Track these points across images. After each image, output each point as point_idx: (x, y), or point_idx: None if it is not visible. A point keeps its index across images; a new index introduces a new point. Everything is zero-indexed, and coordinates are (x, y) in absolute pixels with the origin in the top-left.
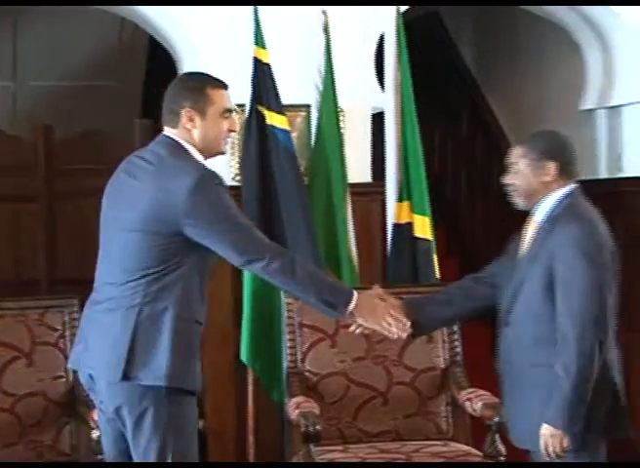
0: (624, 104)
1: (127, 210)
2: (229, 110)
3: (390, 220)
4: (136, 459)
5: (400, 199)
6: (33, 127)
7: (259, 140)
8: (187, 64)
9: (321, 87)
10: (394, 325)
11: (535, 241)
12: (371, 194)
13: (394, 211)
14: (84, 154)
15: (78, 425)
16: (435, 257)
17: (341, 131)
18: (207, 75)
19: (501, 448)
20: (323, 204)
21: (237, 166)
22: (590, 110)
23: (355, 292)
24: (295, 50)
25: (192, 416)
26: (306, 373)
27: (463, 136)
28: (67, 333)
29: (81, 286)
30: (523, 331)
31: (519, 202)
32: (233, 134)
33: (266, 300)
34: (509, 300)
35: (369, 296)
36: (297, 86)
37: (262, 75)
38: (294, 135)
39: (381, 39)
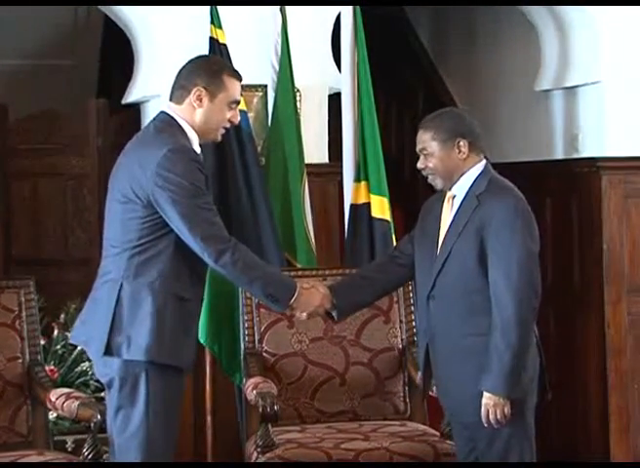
0: (580, 85)
1: (115, 182)
2: (237, 102)
3: (348, 201)
4: (113, 432)
5: (357, 179)
6: None
7: None
8: (142, 44)
9: (277, 67)
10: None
11: (459, 217)
12: (328, 175)
13: (351, 191)
14: (39, 134)
15: (35, 406)
16: (394, 238)
17: (298, 111)
18: (227, 63)
19: None
20: (279, 185)
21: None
22: (546, 91)
23: (298, 286)
24: (251, 30)
25: (175, 392)
26: (264, 354)
27: (420, 115)
28: (23, 314)
29: (36, 266)
30: (453, 303)
31: (438, 183)
32: (232, 125)
33: (223, 282)
34: (433, 275)
35: (308, 289)
36: (253, 66)
37: (219, 55)
38: (250, 115)
39: (338, 19)
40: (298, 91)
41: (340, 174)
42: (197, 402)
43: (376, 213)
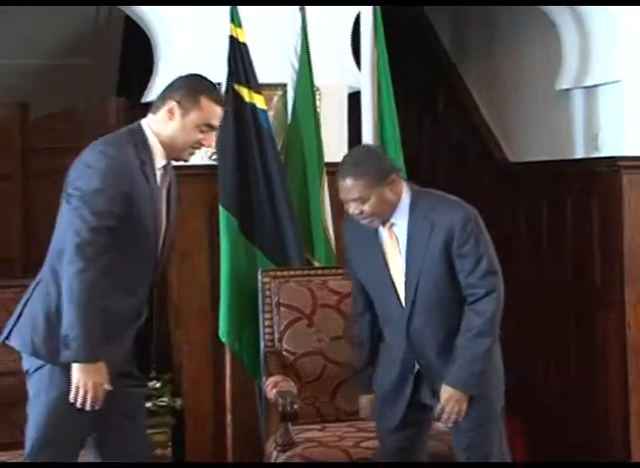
0: (601, 84)
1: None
2: (210, 126)
3: None
4: None
5: None
6: (9, 105)
7: (235, 119)
8: (162, 43)
9: (297, 66)
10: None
11: (416, 241)
12: None
13: None
14: (59, 132)
15: None
16: None
17: (318, 110)
18: (213, 87)
19: None
20: (298, 183)
21: (214, 144)
22: (567, 90)
23: (97, 364)
24: (271, 29)
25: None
26: (284, 353)
27: (440, 118)
28: None
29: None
30: (434, 319)
31: (376, 223)
32: (201, 148)
33: (244, 280)
34: (407, 304)
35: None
36: (273, 65)
37: (239, 54)
38: (270, 113)
39: (358, 18)
40: (317, 89)
41: None
42: (217, 400)
43: None
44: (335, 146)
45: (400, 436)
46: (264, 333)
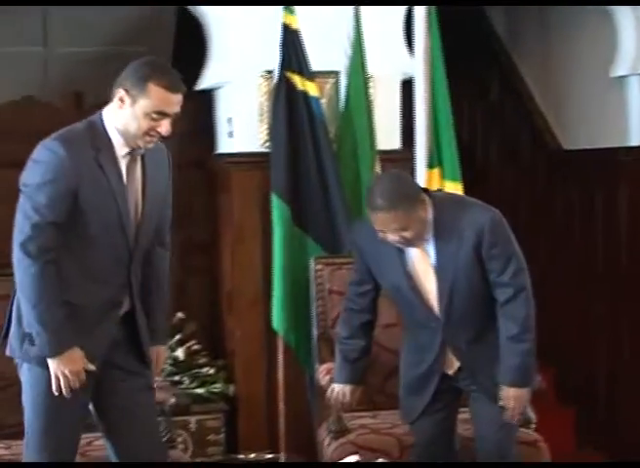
0: None
1: None
2: (159, 113)
3: None
4: None
5: (430, 166)
6: (64, 94)
7: (288, 107)
8: (215, 30)
9: (350, 53)
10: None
11: (445, 251)
12: (400, 161)
13: (424, 178)
14: None
15: None
16: None
17: (370, 97)
18: (164, 72)
19: (533, 415)
20: (351, 171)
21: (266, 132)
22: (622, 77)
23: (65, 352)
24: (324, 16)
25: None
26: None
27: (493, 104)
28: None
29: None
30: (467, 319)
31: (415, 244)
32: (158, 135)
33: (297, 268)
34: (440, 311)
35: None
36: (326, 52)
37: (292, 41)
38: (323, 101)
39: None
40: (370, 77)
41: (413, 160)
42: (270, 387)
43: None
44: (387, 134)
45: (431, 421)
46: (317, 321)
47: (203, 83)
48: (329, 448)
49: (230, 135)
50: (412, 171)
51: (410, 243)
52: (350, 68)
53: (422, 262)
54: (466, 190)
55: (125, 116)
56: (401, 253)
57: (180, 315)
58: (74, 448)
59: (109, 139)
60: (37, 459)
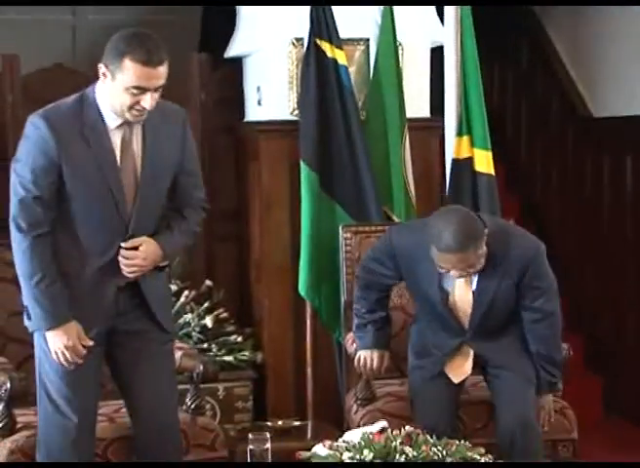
0: None
1: None
2: (138, 88)
3: (450, 156)
4: None
5: (460, 133)
6: (93, 61)
7: (317, 75)
8: None
9: (380, 21)
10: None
11: (487, 276)
12: (429, 129)
13: (454, 146)
14: None
15: None
16: (497, 193)
17: (400, 65)
18: (141, 44)
19: (560, 383)
20: (380, 139)
21: (295, 100)
22: None
23: (62, 325)
24: None
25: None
26: None
27: (523, 72)
28: None
29: None
30: (493, 334)
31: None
32: (144, 109)
33: (324, 235)
34: (471, 325)
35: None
36: (356, 20)
37: (321, 9)
38: (352, 69)
39: None
40: (400, 44)
41: (442, 128)
42: (298, 355)
43: (479, 167)
44: (417, 101)
45: (439, 384)
46: (345, 289)
47: (232, 51)
48: (356, 415)
49: (259, 103)
50: (441, 138)
51: (467, 275)
52: (380, 36)
53: (463, 285)
54: (496, 158)
55: (108, 91)
56: (441, 273)
57: (208, 283)
58: (93, 408)
59: (99, 112)
60: (55, 424)
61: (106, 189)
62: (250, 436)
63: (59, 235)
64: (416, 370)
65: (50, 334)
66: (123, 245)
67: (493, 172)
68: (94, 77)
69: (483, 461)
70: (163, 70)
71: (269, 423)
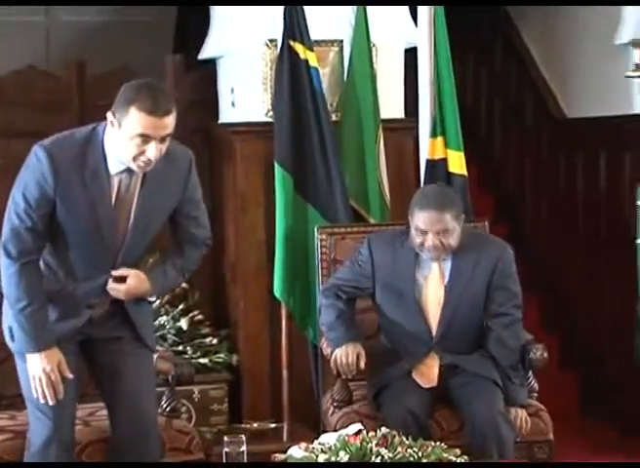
0: None
1: None
2: (143, 136)
3: (424, 156)
4: None
5: (434, 135)
6: (66, 63)
7: (290, 76)
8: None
9: (354, 22)
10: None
11: (459, 273)
12: (403, 130)
13: (428, 147)
14: (117, 90)
15: None
16: (468, 194)
17: (374, 66)
18: (149, 93)
19: (535, 384)
20: (354, 140)
21: (269, 102)
22: (626, 44)
23: (42, 353)
24: None
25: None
26: None
27: (497, 70)
28: None
29: None
30: (459, 338)
31: (442, 256)
32: (149, 160)
33: (298, 237)
34: (435, 325)
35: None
36: (329, 21)
37: (294, 10)
38: (326, 70)
39: None
40: (374, 45)
41: (416, 129)
42: (274, 357)
43: (453, 168)
44: (391, 102)
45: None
46: (320, 290)
47: (206, 52)
48: (332, 417)
49: (233, 104)
50: (415, 139)
51: (441, 251)
52: (354, 37)
53: (436, 280)
54: (469, 158)
55: (115, 138)
56: (417, 263)
57: (183, 285)
58: (71, 418)
59: (104, 157)
60: (38, 429)
61: (97, 230)
62: (225, 438)
63: (48, 257)
64: (386, 370)
65: (31, 358)
66: (113, 273)
67: (465, 172)
68: (67, 78)
69: (458, 462)
70: (169, 121)
71: (245, 425)
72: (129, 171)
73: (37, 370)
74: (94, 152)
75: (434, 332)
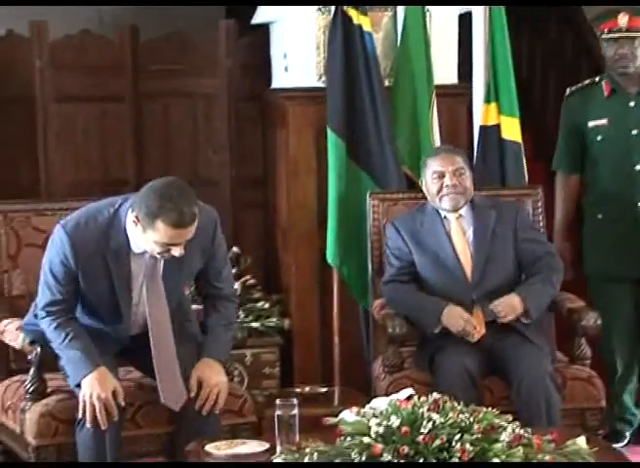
0: None
1: None
2: (167, 244)
3: (477, 122)
4: None
5: (487, 100)
6: (120, 27)
7: (343, 41)
8: None
9: None
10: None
11: (481, 229)
12: (457, 96)
13: (481, 112)
14: (169, 55)
15: None
16: (524, 160)
17: (428, 31)
18: (172, 206)
19: (588, 351)
20: (408, 105)
21: (322, 67)
22: None
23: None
24: None
25: None
26: None
27: (552, 39)
28: None
29: None
30: (496, 289)
31: (460, 202)
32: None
33: (351, 203)
34: (471, 283)
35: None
36: None
37: None
38: (379, 35)
39: None
40: (428, 10)
41: (470, 95)
42: (324, 321)
43: (506, 134)
44: (445, 68)
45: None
46: (372, 256)
47: (259, 17)
48: (384, 381)
49: (286, 69)
50: (469, 105)
51: (460, 197)
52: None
53: (459, 238)
54: (523, 126)
55: (138, 235)
56: (443, 222)
57: (235, 250)
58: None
59: (127, 239)
60: None
61: (116, 308)
62: (277, 402)
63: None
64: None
65: (85, 384)
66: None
67: (519, 139)
68: (120, 42)
69: (510, 428)
70: (194, 226)
71: (297, 389)
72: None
73: (90, 397)
74: (117, 236)
75: (472, 284)
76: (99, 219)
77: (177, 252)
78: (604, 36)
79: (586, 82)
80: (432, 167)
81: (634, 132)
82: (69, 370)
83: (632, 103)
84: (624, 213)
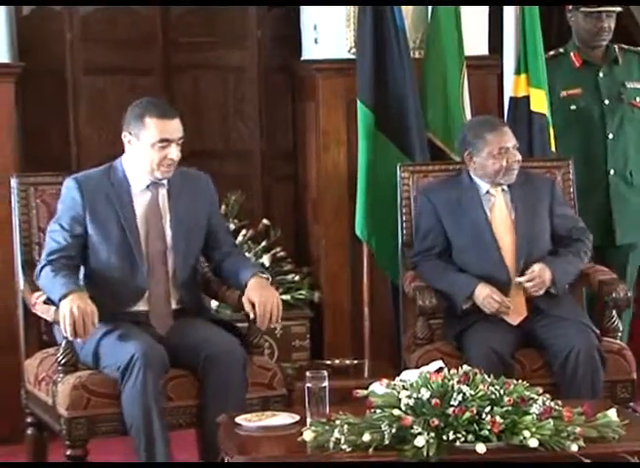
0: None
1: None
2: (163, 140)
3: (507, 94)
4: None
5: (517, 72)
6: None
7: (374, 13)
8: None
9: None
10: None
11: (523, 205)
12: (487, 67)
13: (511, 84)
14: (199, 27)
15: None
16: (552, 132)
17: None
18: (154, 103)
19: (619, 323)
20: (439, 76)
21: (352, 38)
22: None
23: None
24: None
25: None
26: None
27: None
28: None
29: (196, 158)
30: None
31: (514, 178)
32: (173, 161)
33: (381, 175)
34: (514, 261)
35: None
36: None
37: None
38: (410, 7)
39: None
40: None
41: (501, 66)
42: (355, 294)
43: (535, 106)
44: (475, 39)
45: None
46: (402, 228)
47: None
48: (414, 354)
49: (316, 41)
50: (499, 77)
51: (516, 170)
52: None
53: (503, 212)
54: None
55: (136, 154)
56: (481, 199)
57: (265, 222)
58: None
59: (126, 178)
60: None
61: (129, 255)
62: (307, 374)
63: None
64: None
65: (64, 300)
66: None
67: (547, 111)
68: (151, 17)
69: (540, 401)
70: (179, 123)
71: (327, 362)
72: (153, 186)
73: (66, 310)
74: (116, 175)
75: (512, 265)
76: (98, 169)
77: (174, 152)
78: (583, 9)
79: (551, 53)
80: (494, 144)
81: (606, 102)
82: (54, 292)
83: (601, 74)
84: (597, 181)
